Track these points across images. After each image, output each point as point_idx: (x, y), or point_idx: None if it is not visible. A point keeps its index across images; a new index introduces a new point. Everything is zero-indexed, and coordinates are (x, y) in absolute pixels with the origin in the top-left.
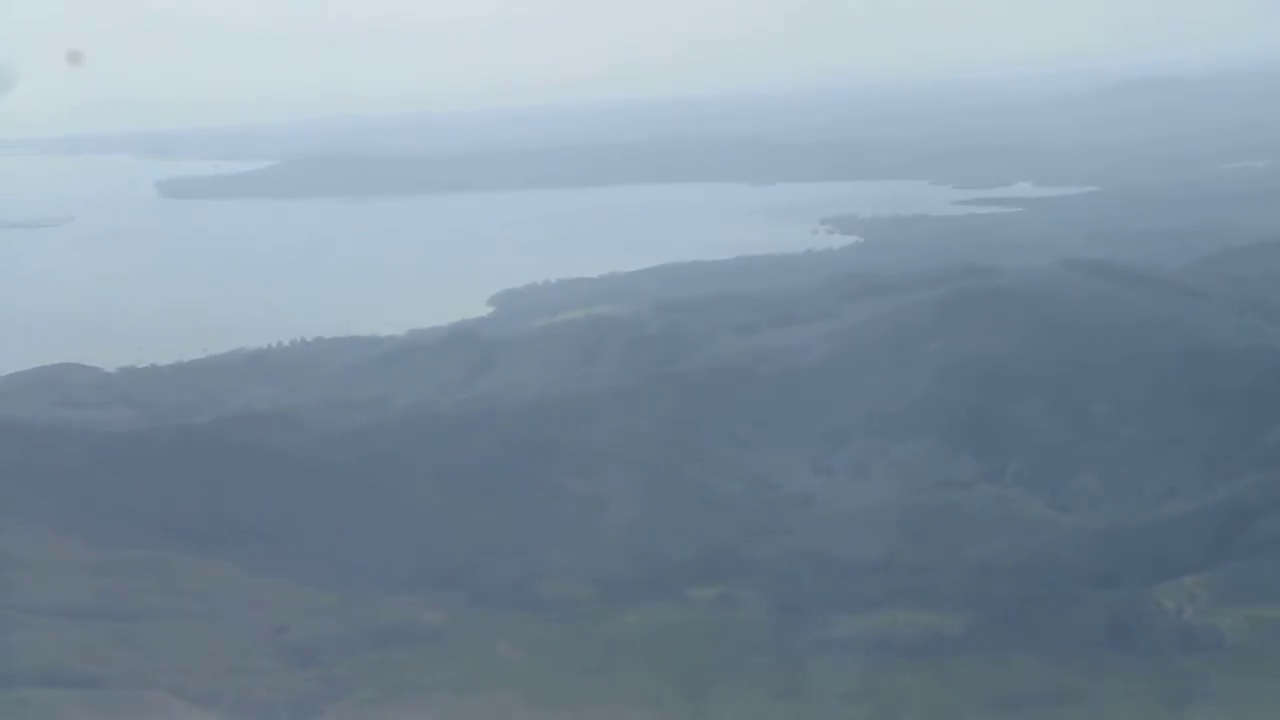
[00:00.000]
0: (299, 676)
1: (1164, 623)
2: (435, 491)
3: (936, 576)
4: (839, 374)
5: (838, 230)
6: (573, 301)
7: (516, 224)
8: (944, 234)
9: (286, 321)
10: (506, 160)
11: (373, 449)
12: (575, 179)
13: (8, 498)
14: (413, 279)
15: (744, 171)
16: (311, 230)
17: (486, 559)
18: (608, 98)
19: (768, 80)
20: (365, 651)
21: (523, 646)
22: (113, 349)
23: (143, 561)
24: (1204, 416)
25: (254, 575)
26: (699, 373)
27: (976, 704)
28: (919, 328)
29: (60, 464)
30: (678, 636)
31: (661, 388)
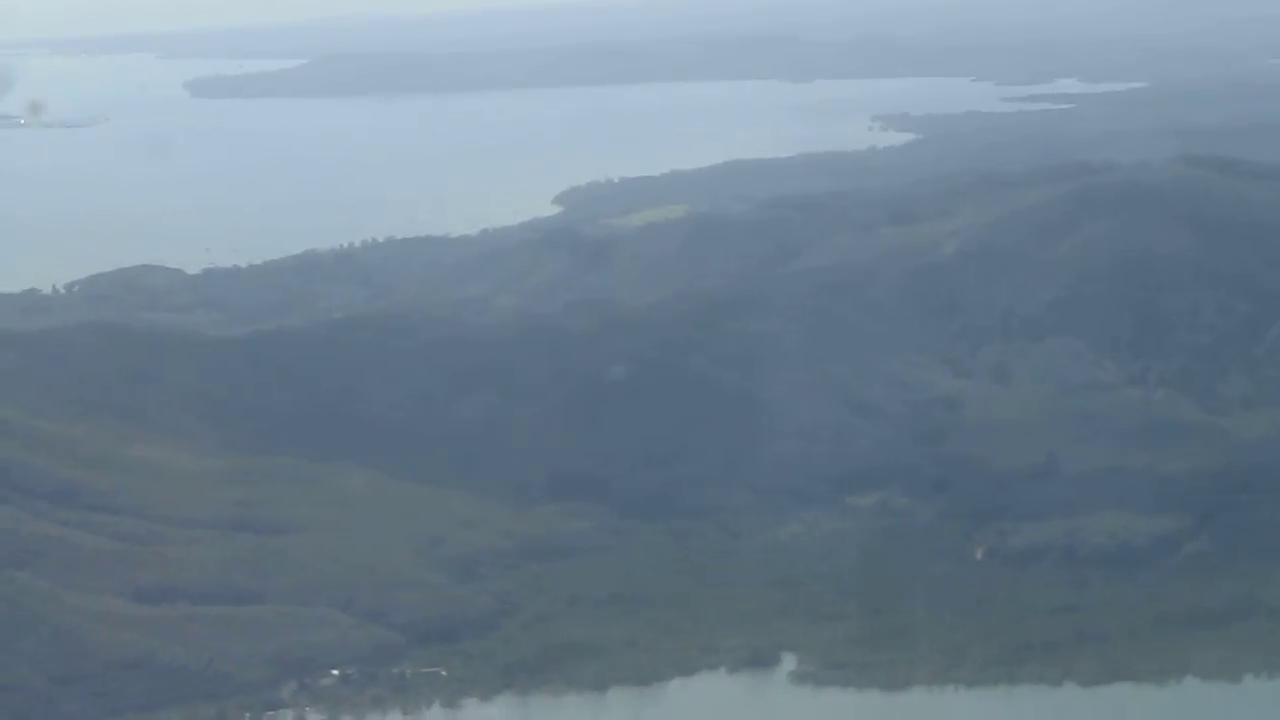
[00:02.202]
0: (465, 591)
1: None
2: (565, 395)
3: (1106, 484)
4: (971, 273)
5: (892, 128)
6: (644, 199)
7: (559, 121)
8: (1006, 130)
9: (352, 221)
10: (538, 57)
11: (493, 352)
12: (610, 76)
13: (131, 405)
14: (469, 177)
15: (780, 68)
16: (354, 128)
17: (630, 467)
18: None
19: None
20: (527, 565)
21: (691, 559)
22: (180, 249)
23: (280, 470)
24: None
25: (394, 483)
26: (826, 270)
27: (1180, 619)
28: (1050, 226)
29: (176, 369)
30: (849, 547)
31: (789, 286)
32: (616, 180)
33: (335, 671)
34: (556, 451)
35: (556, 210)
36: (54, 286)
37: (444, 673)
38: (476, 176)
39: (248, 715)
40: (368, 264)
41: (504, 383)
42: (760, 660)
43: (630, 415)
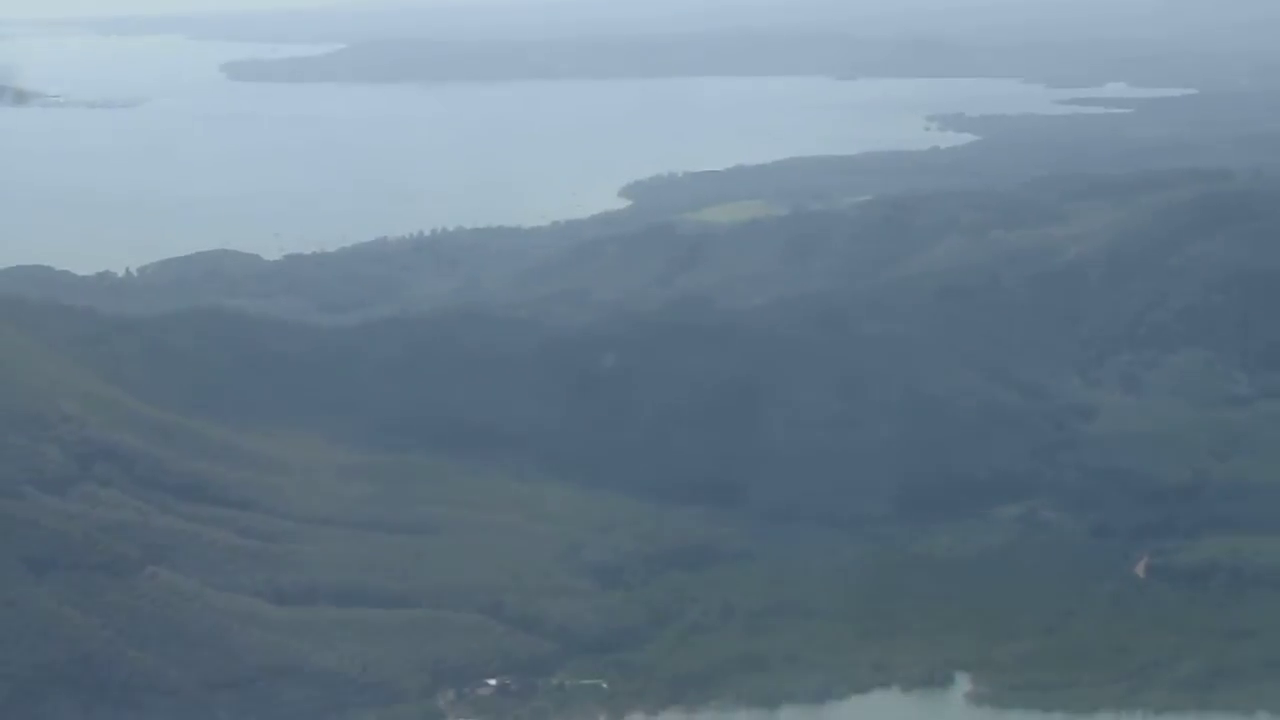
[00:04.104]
0: (615, 599)
1: None
2: (685, 396)
3: (1260, 501)
4: (1095, 280)
5: (949, 128)
6: (714, 194)
7: (607, 113)
8: (1069, 134)
9: (415, 209)
10: (581, 48)
11: (605, 350)
12: (653, 69)
13: (247, 395)
14: (525, 167)
15: (823, 65)
16: (399, 115)
17: (763, 470)
18: None
19: None
20: (672, 572)
21: (841, 570)
22: (245, 234)
23: (407, 466)
24: None
25: (523, 482)
26: (945, 273)
27: None
28: (1174, 233)
29: (288, 358)
30: (1004, 561)
31: (909, 289)
32: (681, 174)
33: (493, 681)
34: (684, 454)
35: (626, 204)
36: (127, 269)
37: (604, 685)
38: (533, 167)
39: None
40: (447, 254)
41: (619, 382)
42: (934, 679)
43: (753, 418)
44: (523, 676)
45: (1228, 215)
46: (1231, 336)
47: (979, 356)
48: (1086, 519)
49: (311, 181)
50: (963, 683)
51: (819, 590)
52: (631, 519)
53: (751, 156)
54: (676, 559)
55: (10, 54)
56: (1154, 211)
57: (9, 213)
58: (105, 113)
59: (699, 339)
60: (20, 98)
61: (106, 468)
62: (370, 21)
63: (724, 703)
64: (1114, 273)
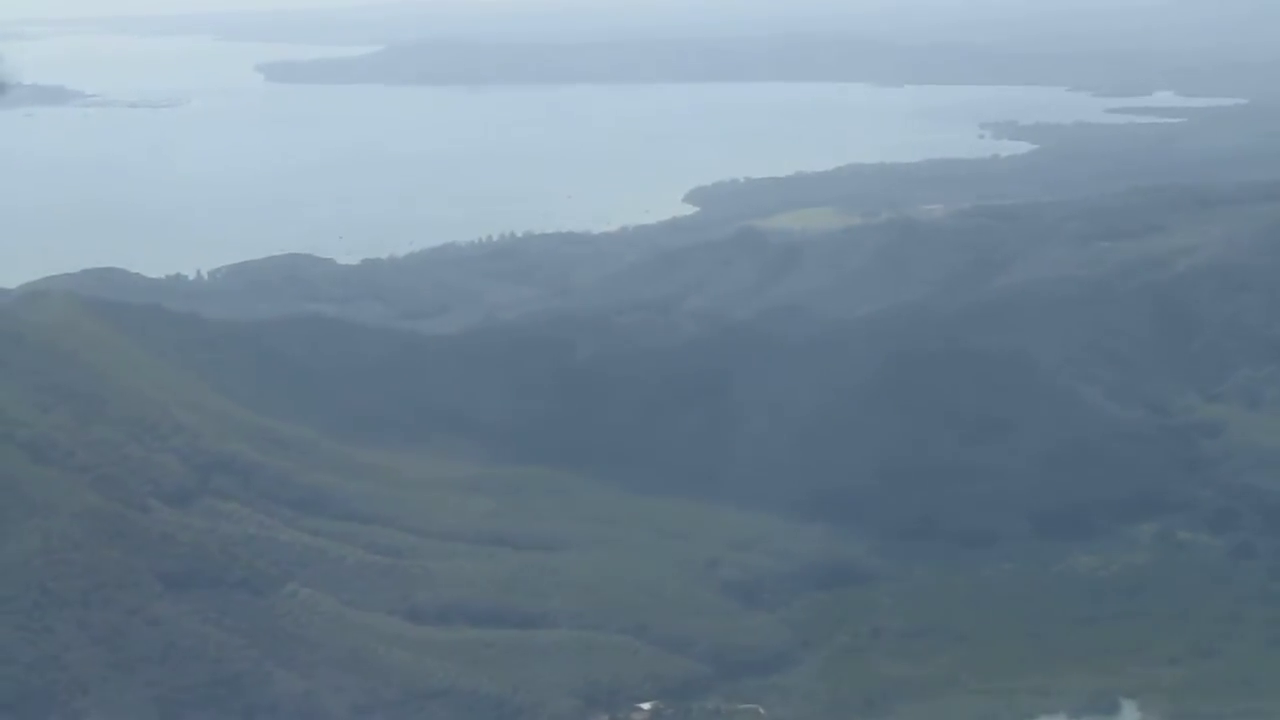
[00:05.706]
0: (759, 619)
1: None
2: (799, 407)
3: None
4: (1208, 292)
5: (1004, 136)
6: (780, 200)
7: (654, 117)
8: (1125, 142)
9: (477, 213)
10: (624, 52)
11: (707, 360)
12: (699, 74)
13: (356, 406)
14: (581, 171)
15: (868, 72)
16: (446, 119)
17: (886, 486)
18: None
19: None
20: (811, 591)
21: (986, 590)
22: (307, 238)
23: (527, 480)
24: None
25: (648, 497)
26: (1052, 284)
27: None
28: None
29: (394, 367)
30: (1149, 581)
31: (1018, 300)
32: (743, 180)
33: (646, 705)
34: (806, 468)
35: (692, 210)
36: (198, 272)
37: (762, 710)
38: (589, 171)
39: None
40: (525, 260)
41: (732, 393)
42: (1100, 706)
43: (873, 432)
44: (676, 700)
45: None
46: None
47: (1096, 370)
48: (1225, 538)
49: (365, 183)
50: (1129, 709)
51: (967, 611)
52: (762, 535)
53: (810, 163)
54: (814, 578)
55: (37, 53)
56: (1262, 222)
57: (63, 214)
58: (146, 113)
59: (809, 349)
60: (61, 96)
61: (225, 480)
62: (406, 23)
63: None
64: (1226, 285)
